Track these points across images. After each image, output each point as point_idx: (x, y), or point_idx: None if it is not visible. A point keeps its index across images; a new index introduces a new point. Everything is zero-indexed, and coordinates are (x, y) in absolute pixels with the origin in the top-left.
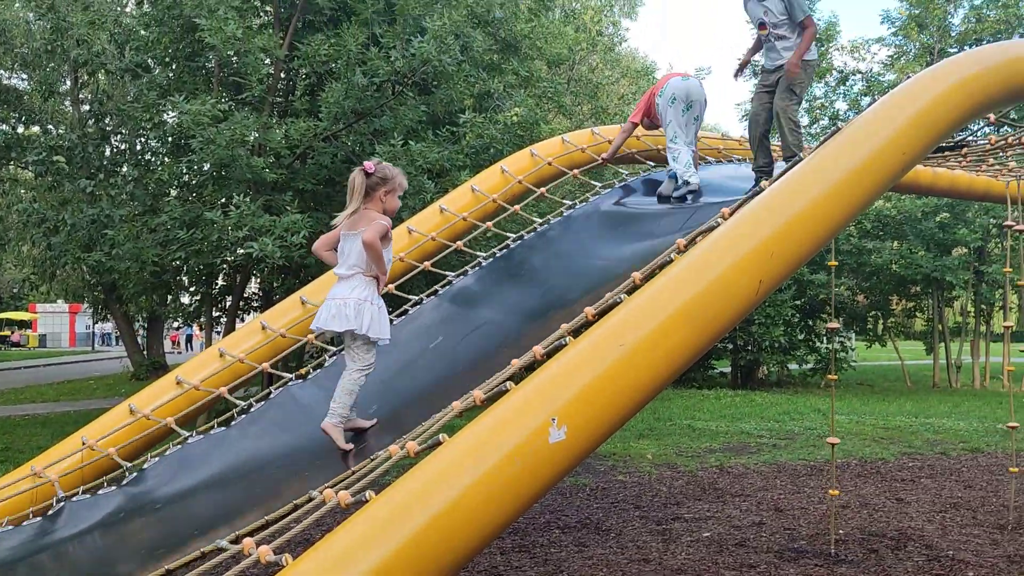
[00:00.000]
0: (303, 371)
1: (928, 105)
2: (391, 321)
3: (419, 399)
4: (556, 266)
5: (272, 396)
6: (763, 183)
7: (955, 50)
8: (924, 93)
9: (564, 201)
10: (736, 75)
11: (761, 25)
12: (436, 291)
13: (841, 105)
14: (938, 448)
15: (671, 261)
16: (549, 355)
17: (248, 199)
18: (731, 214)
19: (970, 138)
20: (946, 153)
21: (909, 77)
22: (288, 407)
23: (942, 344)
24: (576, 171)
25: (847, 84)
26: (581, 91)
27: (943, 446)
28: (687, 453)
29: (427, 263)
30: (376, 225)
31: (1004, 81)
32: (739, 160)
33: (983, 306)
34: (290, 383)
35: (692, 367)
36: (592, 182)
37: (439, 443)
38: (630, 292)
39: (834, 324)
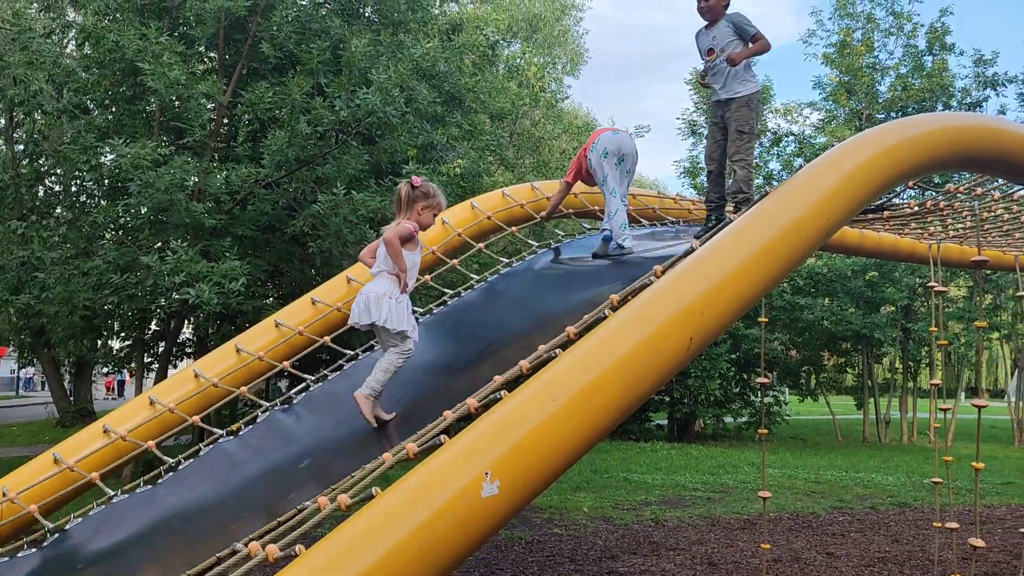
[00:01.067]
0: (235, 427)
1: (850, 173)
2: (327, 376)
3: (352, 452)
4: (493, 322)
5: (202, 453)
6: (694, 243)
7: (882, 116)
8: (847, 162)
9: (501, 259)
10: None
11: (709, 51)
12: (371, 346)
13: (775, 165)
14: (868, 502)
15: (605, 317)
16: (484, 408)
17: (186, 244)
18: (663, 272)
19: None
20: (870, 216)
21: (839, 140)
22: (218, 465)
23: (872, 399)
24: (515, 228)
25: (781, 145)
26: (524, 145)
27: (872, 500)
28: (623, 506)
29: None
30: (399, 227)
31: (920, 152)
32: (673, 222)
33: (910, 362)
34: (220, 439)
35: (629, 419)
36: (529, 241)
37: (371, 496)
38: (564, 347)
39: (764, 380)
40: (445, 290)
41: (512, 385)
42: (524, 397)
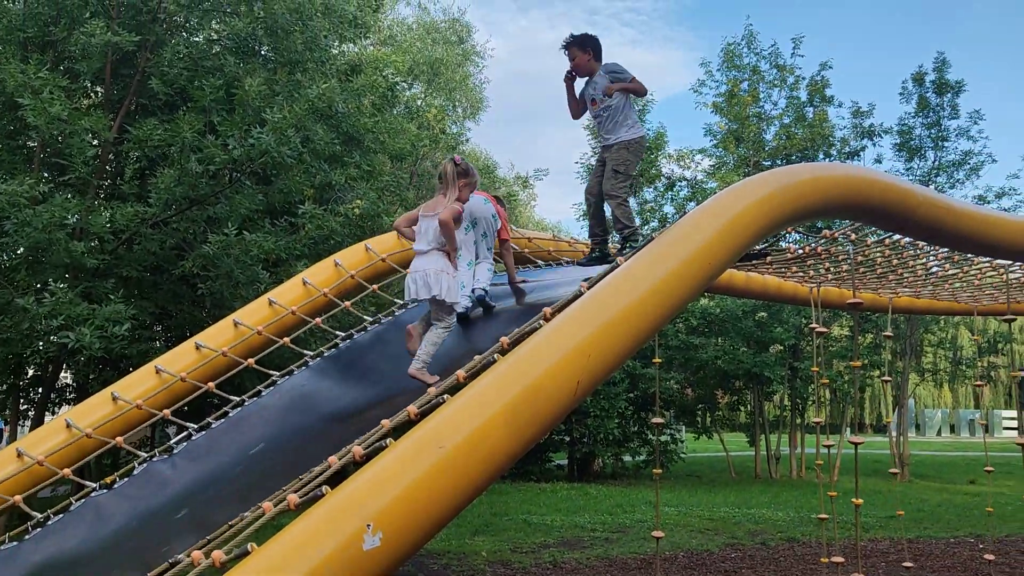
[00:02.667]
0: (109, 479)
1: (731, 220)
2: (211, 424)
3: (234, 501)
4: (385, 366)
5: (73, 507)
6: (582, 286)
7: (768, 163)
8: (728, 210)
9: (396, 300)
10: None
11: (592, 101)
12: (259, 392)
13: (669, 208)
14: (759, 538)
15: (494, 361)
16: (369, 456)
17: (65, 286)
18: (552, 315)
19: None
20: (754, 261)
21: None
22: (90, 518)
23: (763, 436)
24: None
25: (674, 189)
26: (424, 186)
27: (763, 536)
28: (522, 549)
29: (251, 360)
30: (451, 208)
31: (794, 201)
32: (567, 262)
33: (798, 400)
34: (93, 492)
35: (529, 460)
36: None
37: (247, 552)
38: (453, 391)
39: (659, 420)
40: (337, 332)
41: (400, 431)
42: (410, 444)
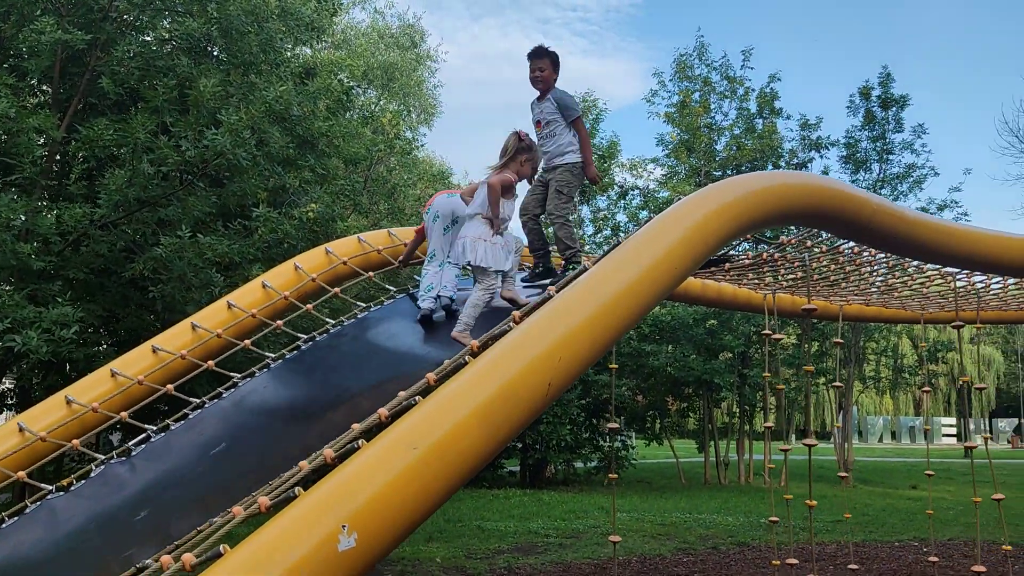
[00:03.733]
0: (65, 481)
1: (695, 225)
2: (169, 426)
3: (196, 505)
4: (348, 369)
5: (28, 510)
6: (551, 290)
7: (719, 173)
8: (692, 215)
9: (357, 303)
10: None
11: (537, 123)
12: (220, 394)
13: (622, 217)
14: (710, 543)
15: (465, 363)
16: (341, 458)
17: (11, 288)
18: (522, 319)
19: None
20: (712, 268)
21: (681, 195)
22: (46, 522)
23: (712, 442)
24: (372, 273)
25: (627, 198)
26: (378, 191)
27: (714, 541)
28: (476, 555)
29: (211, 362)
30: (503, 176)
31: (757, 207)
32: (526, 267)
33: (746, 407)
34: (49, 495)
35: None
36: (388, 286)
37: (219, 554)
38: (424, 394)
39: (614, 424)
40: (299, 335)
41: (371, 434)
42: (383, 445)
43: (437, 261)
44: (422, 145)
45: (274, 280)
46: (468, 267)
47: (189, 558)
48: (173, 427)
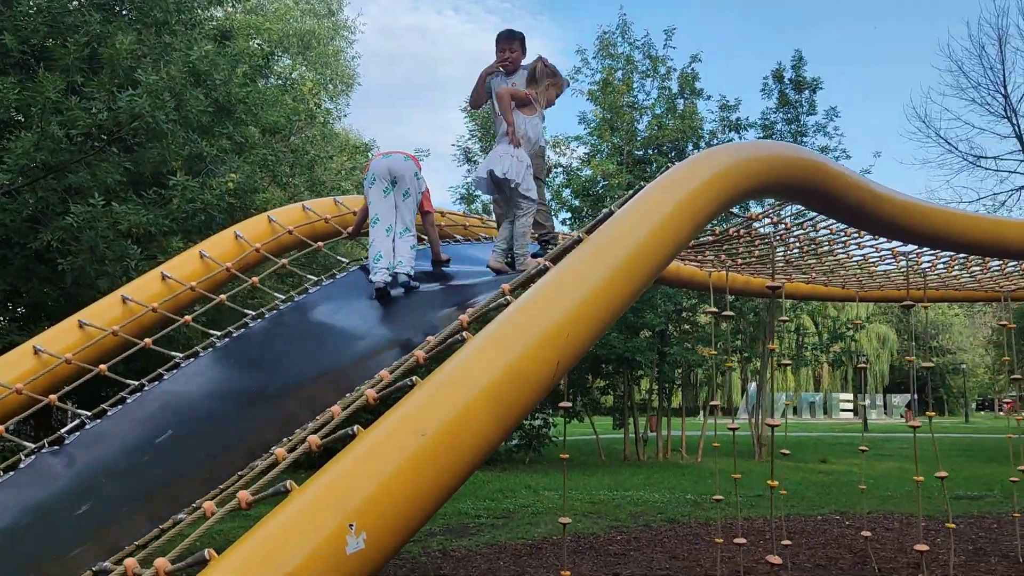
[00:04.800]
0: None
1: (692, 192)
2: (106, 411)
3: (143, 504)
4: (301, 348)
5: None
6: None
7: (641, 152)
8: (688, 182)
9: (309, 276)
10: None
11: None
12: (161, 375)
13: (547, 195)
14: (641, 520)
15: (462, 341)
16: (328, 447)
17: None
18: (512, 291)
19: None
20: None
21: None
22: None
23: (631, 419)
24: (320, 244)
25: (551, 176)
26: (298, 162)
27: (645, 518)
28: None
29: (148, 340)
30: (514, 88)
31: (749, 178)
32: (486, 238)
33: (665, 384)
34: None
35: None
36: (341, 258)
37: (204, 560)
38: (413, 373)
39: (566, 404)
40: (246, 311)
41: (358, 419)
42: (386, 431)
43: (383, 226)
44: (344, 116)
45: (213, 250)
46: (495, 185)
47: (163, 564)
48: (110, 412)
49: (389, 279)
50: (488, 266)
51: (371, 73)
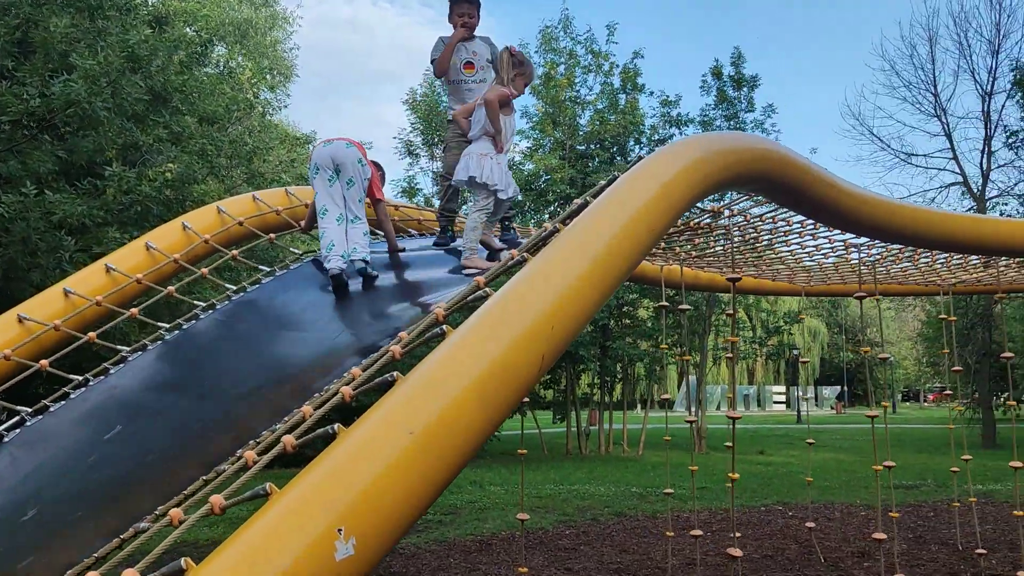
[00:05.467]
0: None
1: (668, 182)
2: (48, 407)
3: (98, 504)
4: (256, 341)
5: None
6: (514, 253)
7: (583, 147)
8: (663, 173)
9: (261, 267)
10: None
11: (468, 64)
12: (107, 369)
13: None
14: (588, 515)
15: (442, 334)
16: (307, 448)
17: None
18: (487, 284)
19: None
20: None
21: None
22: None
23: (574, 413)
24: (272, 235)
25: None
26: (236, 153)
27: (592, 512)
28: None
29: (92, 333)
30: (499, 90)
31: (722, 170)
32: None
33: (607, 378)
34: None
35: None
36: (294, 250)
37: (181, 569)
38: (388, 368)
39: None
40: (196, 302)
41: (334, 417)
42: (371, 430)
43: (332, 216)
44: (285, 107)
45: (160, 241)
46: (466, 186)
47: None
48: (52, 408)
49: (344, 265)
50: (463, 263)
51: (307, 64)
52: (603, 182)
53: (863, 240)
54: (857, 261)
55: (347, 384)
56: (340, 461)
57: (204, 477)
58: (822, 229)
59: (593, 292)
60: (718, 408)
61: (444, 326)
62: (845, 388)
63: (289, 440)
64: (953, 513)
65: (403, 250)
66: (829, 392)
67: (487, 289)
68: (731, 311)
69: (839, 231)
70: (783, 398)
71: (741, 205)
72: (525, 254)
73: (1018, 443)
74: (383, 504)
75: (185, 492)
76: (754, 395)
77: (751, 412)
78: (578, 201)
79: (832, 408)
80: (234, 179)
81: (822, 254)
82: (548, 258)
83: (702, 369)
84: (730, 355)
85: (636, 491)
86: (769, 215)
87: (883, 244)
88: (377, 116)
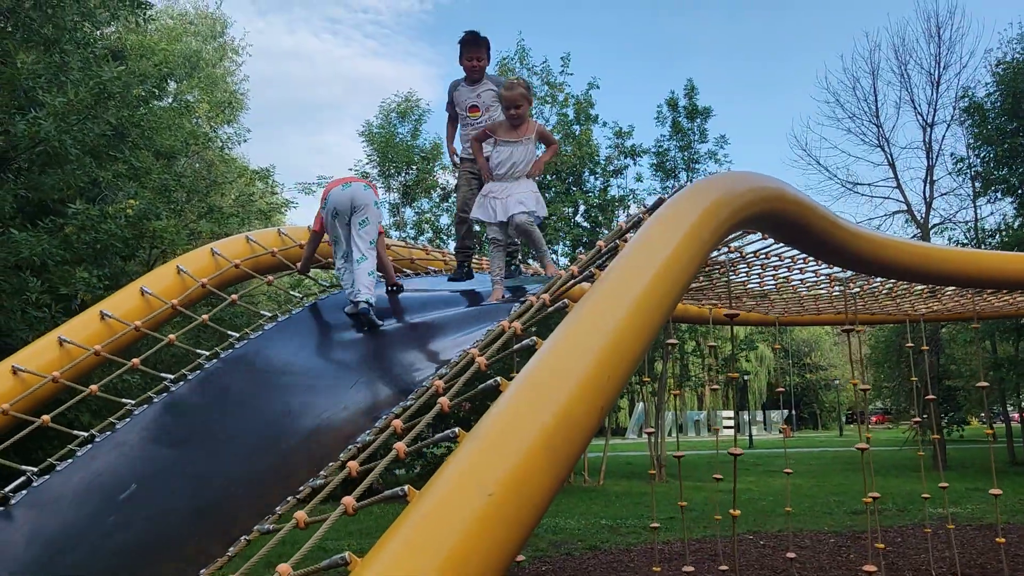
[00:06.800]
0: None
1: (694, 224)
2: (54, 466)
3: (123, 568)
4: (262, 390)
5: None
6: (545, 298)
7: (539, 178)
8: (688, 215)
9: (263, 312)
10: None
11: (473, 108)
12: (112, 424)
13: (445, 220)
14: (563, 549)
15: (496, 387)
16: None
17: None
18: (524, 331)
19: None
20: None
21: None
22: None
23: None
24: (271, 277)
25: (450, 200)
26: (195, 188)
27: (566, 547)
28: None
29: (94, 387)
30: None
31: (741, 209)
32: (435, 272)
33: None
34: None
35: None
36: (294, 293)
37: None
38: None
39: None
40: (200, 351)
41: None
42: (445, 488)
43: (341, 255)
44: (245, 141)
45: (154, 285)
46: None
47: None
48: (59, 467)
49: (365, 295)
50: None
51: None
52: (628, 224)
53: (848, 273)
54: (840, 293)
55: (399, 439)
56: (417, 527)
57: (247, 537)
58: (811, 263)
59: (638, 339)
60: (669, 434)
61: (498, 379)
62: (793, 412)
63: (350, 502)
64: (923, 538)
65: (400, 287)
66: (777, 416)
67: (535, 338)
68: (711, 343)
69: (825, 265)
70: (732, 423)
71: (737, 242)
72: (567, 299)
73: (968, 465)
74: (469, 570)
75: (230, 554)
76: (704, 420)
77: (702, 437)
78: (601, 243)
79: (780, 432)
80: (188, 215)
81: (806, 287)
82: (591, 308)
83: (660, 396)
84: (715, 386)
85: (606, 523)
86: (763, 251)
87: (865, 277)
88: (319, 146)
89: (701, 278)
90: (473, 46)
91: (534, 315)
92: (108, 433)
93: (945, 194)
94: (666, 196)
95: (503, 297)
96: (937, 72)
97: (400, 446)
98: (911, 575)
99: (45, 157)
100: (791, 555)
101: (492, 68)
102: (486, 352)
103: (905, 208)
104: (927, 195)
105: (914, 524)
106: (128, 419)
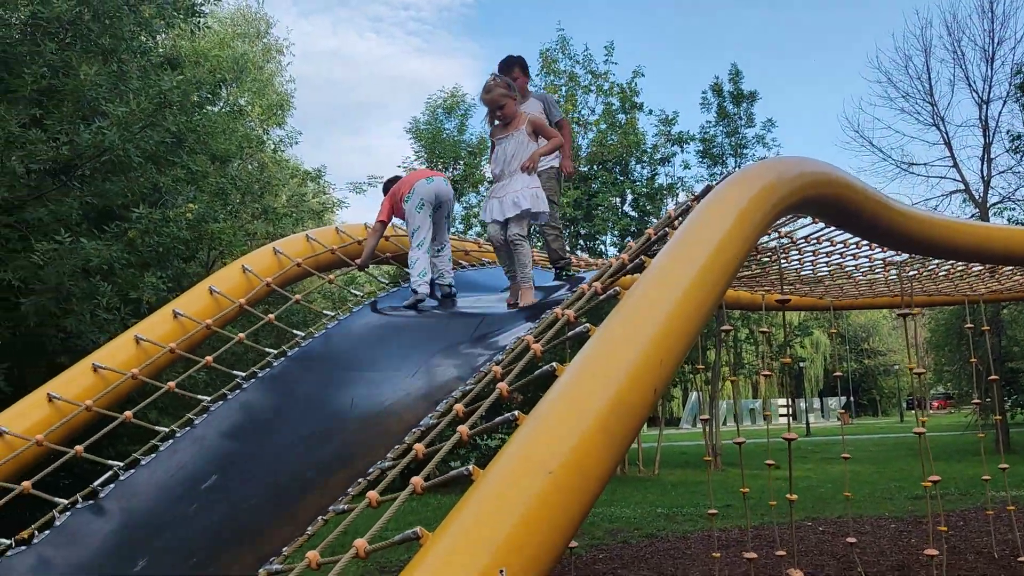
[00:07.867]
0: (25, 533)
1: (744, 208)
2: (138, 460)
3: (204, 557)
4: (331, 383)
5: None
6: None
7: (585, 169)
8: (739, 199)
9: (325, 312)
10: None
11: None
12: (191, 420)
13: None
14: (619, 537)
15: (553, 372)
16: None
17: None
18: (577, 316)
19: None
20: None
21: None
22: None
23: None
24: (332, 275)
25: None
26: (249, 189)
27: (622, 535)
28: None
29: (171, 383)
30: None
31: (792, 193)
32: (489, 263)
33: None
34: (8, 551)
35: None
36: (354, 291)
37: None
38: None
39: None
40: (268, 349)
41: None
42: (508, 466)
43: (428, 245)
44: (296, 143)
45: (222, 285)
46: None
47: None
48: (143, 461)
49: (428, 291)
50: (509, 305)
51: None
52: (672, 210)
53: (903, 256)
54: (895, 277)
55: (461, 423)
56: (485, 503)
57: (323, 517)
58: (864, 247)
59: (689, 325)
60: (724, 423)
61: (554, 364)
62: (851, 398)
63: (418, 482)
64: (984, 521)
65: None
66: (835, 403)
67: (588, 325)
68: (764, 328)
69: (879, 248)
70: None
71: (787, 227)
72: (618, 287)
73: None
74: (533, 542)
75: (309, 533)
76: (760, 409)
77: (757, 426)
78: (650, 231)
79: (839, 419)
80: (244, 216)
81: (860, 272)
82: (643, 294)
83: (714, 385)
84: (767, 372)
85: (662, 511)
86: (814, 236)
87: (922, 260)
88: (364, 146)
89: (752, 265)
90: (504, 70)
91: (586, 303)
92: (187, 429)
93: (1003, 172)
94: (714, 183)
95: (533, 300)
96: (991, 48)
97: (463, 429)
98: (973, 558)
99: (109, 165)
100: (851, 540)
101: (537, 59)
102: (540, 339)
103: (963, 187)
104: (985, 174)
105: (976, 507)
106: (205, 415)
